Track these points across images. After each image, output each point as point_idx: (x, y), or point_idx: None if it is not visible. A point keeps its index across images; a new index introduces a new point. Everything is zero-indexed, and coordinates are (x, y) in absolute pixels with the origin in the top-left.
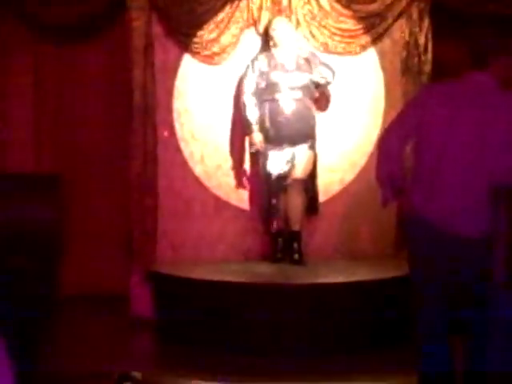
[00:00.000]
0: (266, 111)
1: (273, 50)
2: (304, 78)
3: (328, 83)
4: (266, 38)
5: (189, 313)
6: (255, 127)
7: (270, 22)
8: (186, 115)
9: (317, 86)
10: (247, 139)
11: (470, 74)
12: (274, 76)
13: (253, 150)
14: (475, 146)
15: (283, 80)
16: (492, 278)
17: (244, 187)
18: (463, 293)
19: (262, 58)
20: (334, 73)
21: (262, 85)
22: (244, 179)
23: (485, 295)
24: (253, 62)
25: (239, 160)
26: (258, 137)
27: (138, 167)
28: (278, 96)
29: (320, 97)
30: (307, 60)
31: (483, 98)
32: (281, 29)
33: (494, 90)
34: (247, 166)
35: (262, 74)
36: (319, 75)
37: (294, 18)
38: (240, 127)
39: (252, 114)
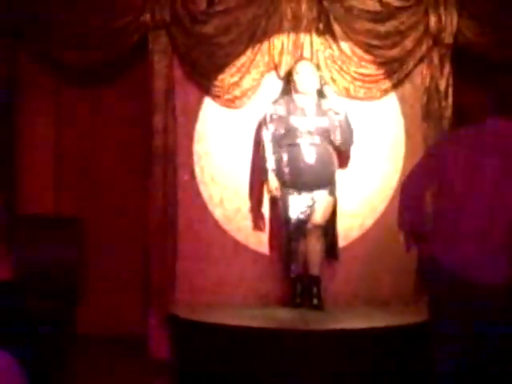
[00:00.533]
0: (286, 156)
1: (293, 94)
2: (324, 123)
3: (346, 149)
4: (288, 80)
5: (207, 357)
6: (272, 174)
7: (294, 65)
8: (207, 158)
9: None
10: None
11: (492, 119)
12: (294, 121)
13: (269, 196)
14: (496, 192)
15: (303, 125)
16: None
17: (263, 231)
18: (485, 341)
19: (282, 102)
20: (352, 142)
21: (281, 130)
22: (263, 223)
23: (507, 343)
24: (272, 107)
25: (258, 203)
26: (274, 183)
27: (158, 210)
28: (297, 141)
29: (340, 154)
30: (322, 95)
31: (504, 144)
32: (304, 73)
33: None
34: (267, 209)
35: (280, 118)
36: (339, 139)
37: (314, 62)
38: (259, 171)
39: (270, 160)
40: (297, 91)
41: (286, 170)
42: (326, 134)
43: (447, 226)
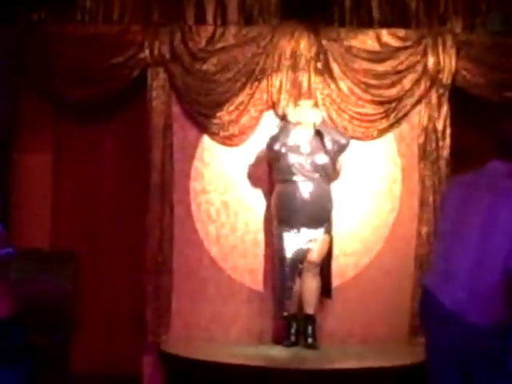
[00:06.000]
0: (282, 193)
1: (291, 130)
2: (321, 159)
3: (342, 147)
4: (285, 117)
5: None
6: None
7: (296, 102)
8: (203, 195)
9: (332, 154)
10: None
11: (492, 161)
12: (291, 158)
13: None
14: (485, 230)
15: (300, 162)
16: (505, 368)
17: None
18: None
19: (279, 139)
20: (346, 138)
21: (278, 165)
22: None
23: None
24: (270, 142)
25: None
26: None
27: (154, 246)
28: (294, 178)
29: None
30: (319, 133)
31: (499, 183)
32: (305, 106)
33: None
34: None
35: (276, 154)
36: (331, 142)
37: (313, 101)
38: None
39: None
40: (296, 123)
41: (284, 206)
42: (322, 171)
43: (442, 262)
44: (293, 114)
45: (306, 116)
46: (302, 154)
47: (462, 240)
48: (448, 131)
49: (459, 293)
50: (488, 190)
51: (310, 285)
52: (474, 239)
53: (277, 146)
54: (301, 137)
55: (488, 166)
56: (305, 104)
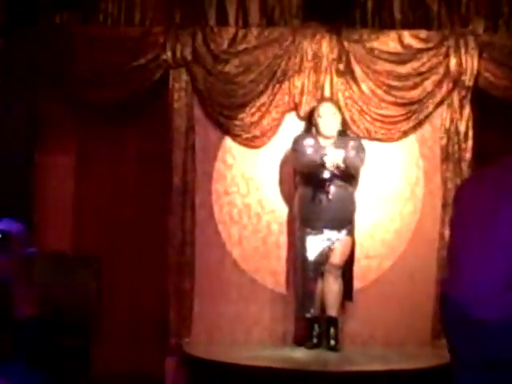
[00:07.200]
0: (305, 195)
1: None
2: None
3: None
4: (310, 121)
5: None
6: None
7: (317, 107)
8: (225, 197)
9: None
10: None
11: (505, 158)
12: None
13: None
14: (492, 224)
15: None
16: None
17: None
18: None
19: (304, 141)
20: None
21: (301, 167)
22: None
23: None
24: (297, 143)
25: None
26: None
27: (176, 248)
28: (317, 179)
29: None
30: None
31: (507, 178)
32: (327, 116)
33: None
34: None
35: (302, 156)
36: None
37: (335, 102)
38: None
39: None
40: (319, 134)
41: (306, 208)
42: (346, 174)
43: (455, 259)
44: (319, 120)
45: (330, 122)
46: (327, 155)
47: (467, 236)
48: (470, 133)
49: (465, 290)
50: (496, 187)
51: (332, 287)
52: (478, 234)
53: (301, 148)
54: (326, 140)
55: (499, 161)
56: (329, 112)
